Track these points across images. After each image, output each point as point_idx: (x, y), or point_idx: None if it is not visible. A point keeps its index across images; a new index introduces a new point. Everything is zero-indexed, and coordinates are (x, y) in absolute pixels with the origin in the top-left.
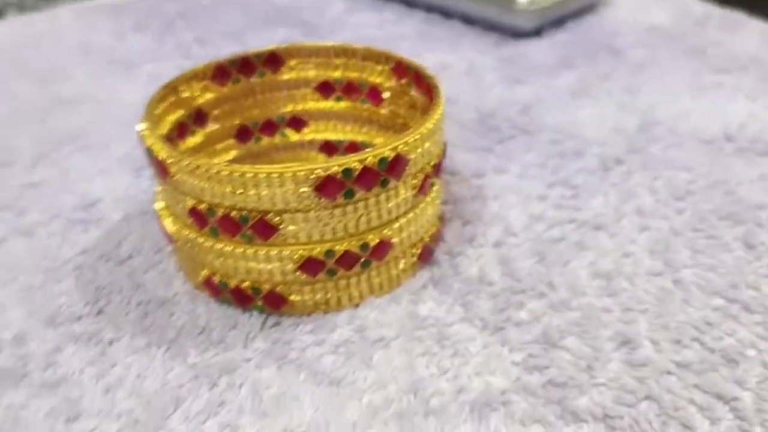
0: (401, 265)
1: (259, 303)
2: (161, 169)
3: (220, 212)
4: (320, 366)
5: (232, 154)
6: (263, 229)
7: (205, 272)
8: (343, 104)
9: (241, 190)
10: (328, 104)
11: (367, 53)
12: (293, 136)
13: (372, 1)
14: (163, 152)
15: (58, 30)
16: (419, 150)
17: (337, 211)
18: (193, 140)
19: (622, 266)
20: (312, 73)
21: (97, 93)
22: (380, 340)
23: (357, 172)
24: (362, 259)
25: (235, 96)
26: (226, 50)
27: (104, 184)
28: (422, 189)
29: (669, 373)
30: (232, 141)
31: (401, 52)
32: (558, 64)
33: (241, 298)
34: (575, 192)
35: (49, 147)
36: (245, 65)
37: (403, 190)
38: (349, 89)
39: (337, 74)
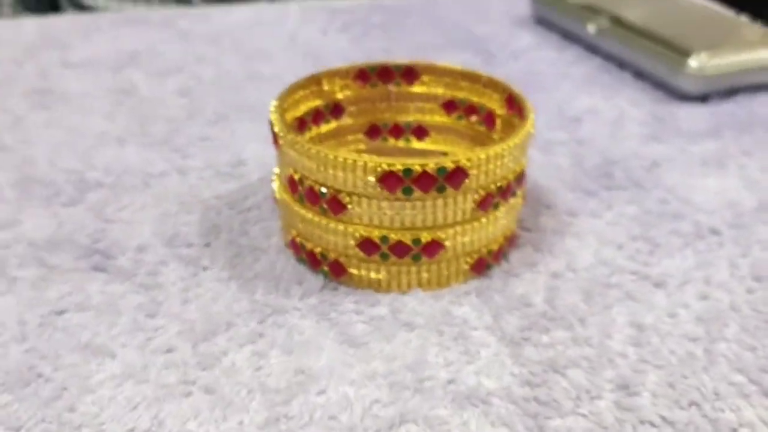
0: (452, 269)
1: (325, 268)
2: (275, 139)
3: (307, 183)
4: (350, 330)
5: (360, 147)
6: (335, 205)
7: (293, 233)
8: (462, 123)
9: (323, 168)
10: (450, 120)
11: (488, 81)
12: (415, 143)
13: (560, 40)
14: (277, 125)
15: (279, 20)
16: (482, 168)
17: (397, 204)
18: (327, 127)
19: (661, 324)
20: (440, 90)
21: (285, 75)
22: (408, 324)
23: (416, 174)
24: (413, 252)
25: (372, 98)
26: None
27: (255, 149)
28: (482, 205)
29: (651, 424)
30: (361, 136)
31: (560, 91)
32: (706, 131)
33: (313, 260)
34: (654, 249)
35: (230, 111)
36: (384, 73)
37: (461, 201)
38: (470, 110)
39: (461, 95)
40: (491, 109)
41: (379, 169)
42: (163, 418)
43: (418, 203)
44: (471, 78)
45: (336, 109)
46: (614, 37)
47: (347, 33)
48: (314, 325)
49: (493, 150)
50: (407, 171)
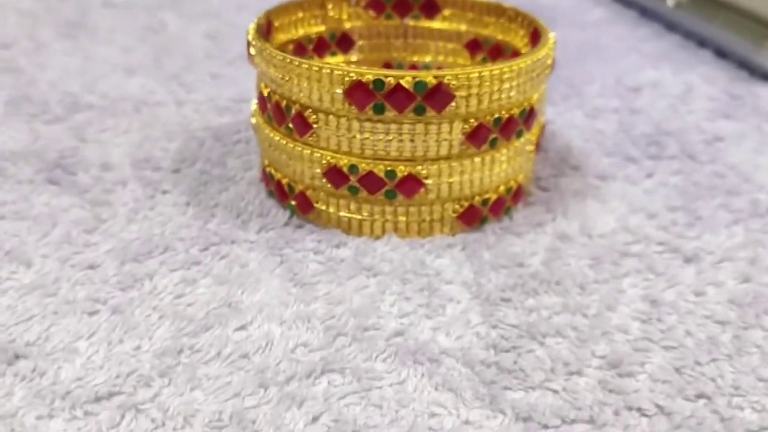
0: (436, 215)
1: (293, 203)
2: (248, 52)
3: (274, 99)
4: (300, 268)
5: None
6: (301, 124)
7: (265, 162)
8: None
9: (287, 78)
10: (473, 64)
11: (514, 14)
12: None
13: (637, 17)
14: (251, 33)
15: None
16: (473, 91)
17: (368, 125)
18: (331, 60)
19: (682, 301)
20: (464, 27)
21: None
22: (369, 269)
23: (390, 88)
24: (386, 188)
25: (387, 32)
26: None
27: None
28: (474, 138)
29: (641, 412)
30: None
31: (623, 63)
32: None
33: (281, 193)
34: (695, 222)
35: None
36: (401, 4)
37: (446, 130)
38: (495, 52)
39: (486, 32)
40: (516, 48)
41: (346, 78)
42: (52, 333)
43: (393, 126)
44: (496, 11)
45: (343, 41)
46: (694, 11)
47: None
48: (261, 259)
49: (489, 69)
50: (378, 83)
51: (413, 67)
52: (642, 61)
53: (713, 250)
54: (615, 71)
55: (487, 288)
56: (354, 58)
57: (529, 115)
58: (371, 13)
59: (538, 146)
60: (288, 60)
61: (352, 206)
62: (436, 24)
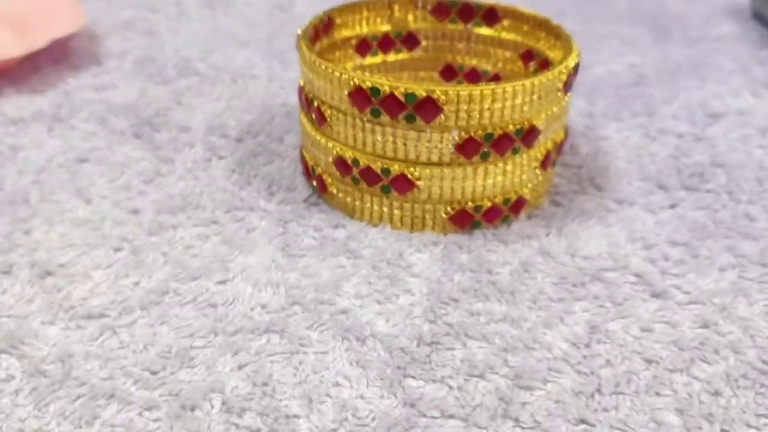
0: (427, 214)
1: (314, 183)
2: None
3: (305, 91)
4: (295, 241)
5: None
6: (319, 116)
7: (302, 143)
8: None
9: (312, 76)
10: (526, 73)
11: (558, 32)
12: None
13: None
14: (303, 29)
15: None
16: (462, 107)
17: (368, 126)
18: (396, 56)
19: (622, 334)
20: (520, 38)
21: None
22: (352, 252)
23: (384, 95)
24: (382, 183)
25: (450, 35)
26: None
27: None
28: (464, 150)
29: (518, 423)
30: (435, 75)
31: (719, 85)
32: None
33: (307, 172)
34: (689, 261)
35: None
36: (465, 10)
37: (437, 139)
38: (545, 64)
39: (538, 45)
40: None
41: (351, 83)
42: (80, 260)
43: (389, 129)
44: (545, 27)
45: (409, 39)
46: None
47: None
48: (266, 228)
49: (479, 89)
50: (375, 90)
51: (473, 70)
52: (744, 85)
53: (690, 291)
54: (705, 93)
55: (446, 287)
56: (419, 55)
57: (528, 134)
58: (437, 16)
59: (547, 162)
60: (313, 60)
61: (356, 194)
62: (495, 32)
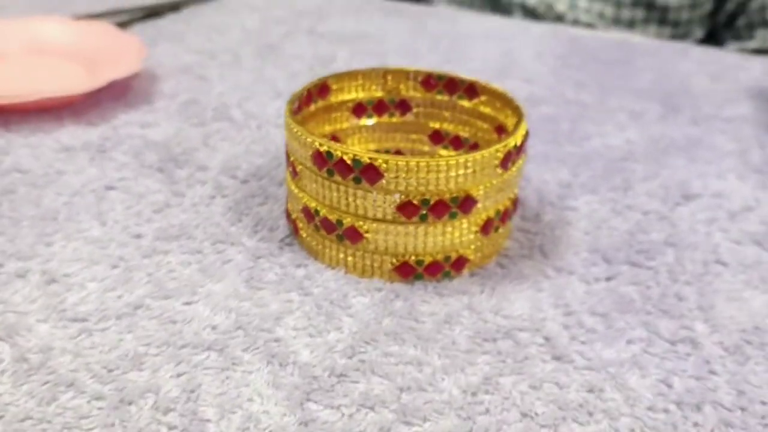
0: (376, 264)
1: (291, 226)
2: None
3: (286, 148)
4: (260, 275)
5: (425, 149)
6: (293, 170)
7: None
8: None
9: (288, 137)
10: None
11: (518, 112)
12: None
13: None
14: (297, 93)
15: (515, 35)
16: (401, 175)
17: (326, 183)
18: (390, 120)
19: (510, 389)
20: (493, 113)
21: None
22: (303, 290)
23: (336, 159)
24: (337, 232)
25: (439, 104)
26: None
27: None
28: (403, 210)
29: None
30: (425, 138)
31: (708, 167)
32: None
33: (288, 216)
34: (600, 331)
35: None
36: (450, 84)
37: (381, 199)
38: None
39: (507, 121)
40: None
41: (313, 146)
42: (82, 272)
43: (342, 187)
44: (511, 106)
45: (402, 105)
46: None
47: (561, 60)
48: (240, 261)
49: (416, 161)
50: (329, 154)
51: (456, 137)
52: (733, 167)
53: (591, 358)
54: (688, 173)
55: (372, 329)
56: (410, 120)
57: (464, 202)
58: (425, 88)
59: (488, 228)
60: (289, 123)
61: (319, 239)
62: (474, 105)
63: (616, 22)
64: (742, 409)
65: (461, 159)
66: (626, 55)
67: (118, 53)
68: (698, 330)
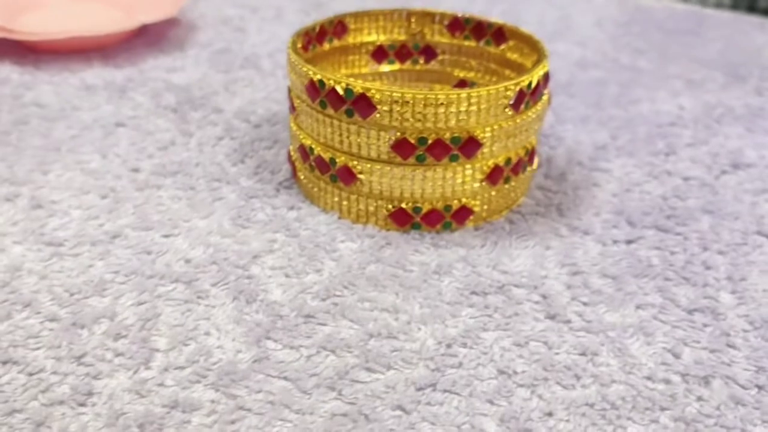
0: (370, 209)
1: (290, 167)
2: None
3: (288, 83)
4: (249, 214)
5: None
6: (291, 105)
7: None
8: None
9: (288, 69)
10: None
11: (542, 54)
12: None
13: None
14: (310, 27)
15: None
16: (395, 107)
17: (319, 117)
18: (412, 67)
19: (491, 344)
20: (521, 59)
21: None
22: (290, 230)
23: (328, 89)
24: (330, 172)
25: (466, 52)
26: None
27: None
28: (399, 149)
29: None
30: (450, 89)
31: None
32: None
33: (288, 157)
34: (607, 293)
35: None
36: (478, 28)
37: (374, 136)
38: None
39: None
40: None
41: (307, 75)
42: (67, 199)
43: (335, 122)
44: (537, 50)
45: (427, 52)
46: None
47: (622, 28)
48: (231, 200)
49: (412, 93)
50: (321, 83)
51: None
52: None
53: (590, 320)
54: (742, 143)
55: (354, 273)
56: (435, 68)
57: (466, 144)
58: (452, 32)
59: (496, 177)
60: (291, 57)
61: (315, 181)
62: (501, 52)
63: None
64: (759, 388)
65: (463, 94)
66: (695, 25)
67: (157, 0)
68: (723, 300)
